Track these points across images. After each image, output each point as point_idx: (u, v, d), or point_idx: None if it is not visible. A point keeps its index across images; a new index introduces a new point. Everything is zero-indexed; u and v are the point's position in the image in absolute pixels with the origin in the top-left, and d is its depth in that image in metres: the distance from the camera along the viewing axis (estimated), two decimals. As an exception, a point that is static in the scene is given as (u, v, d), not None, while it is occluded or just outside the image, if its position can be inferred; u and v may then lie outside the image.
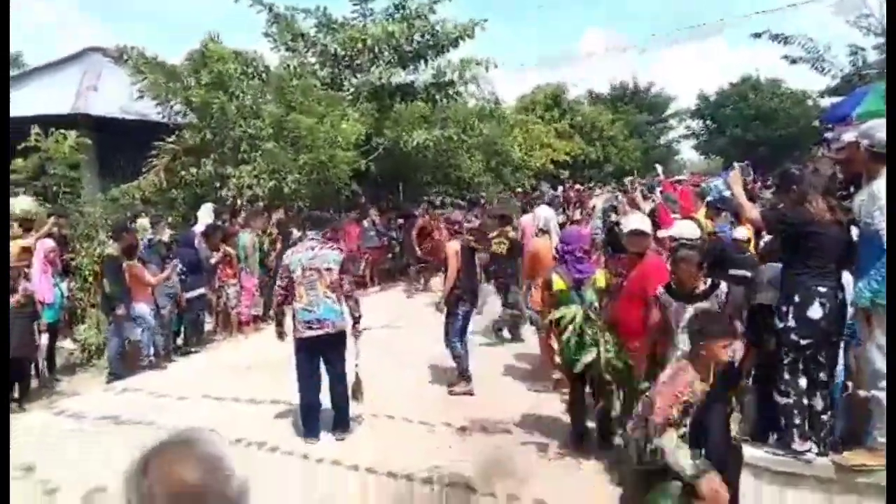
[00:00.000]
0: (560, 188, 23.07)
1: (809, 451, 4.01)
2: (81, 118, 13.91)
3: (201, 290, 9.50)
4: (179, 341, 9.50)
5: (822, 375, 4.06)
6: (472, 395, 6.90)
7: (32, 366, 7.79)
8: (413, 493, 4.64)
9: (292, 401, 6.18)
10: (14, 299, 6.89)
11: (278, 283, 5.92)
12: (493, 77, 20.21)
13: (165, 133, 13.95)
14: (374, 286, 13.93)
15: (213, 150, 13.78)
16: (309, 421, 5.82)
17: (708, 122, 40.74)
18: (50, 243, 8.39)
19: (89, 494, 4.85)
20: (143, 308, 8.34)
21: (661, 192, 10.61)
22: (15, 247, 7.99)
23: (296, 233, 12.01)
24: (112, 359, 8.09)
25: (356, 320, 5.81)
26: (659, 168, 9.79)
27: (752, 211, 4.53)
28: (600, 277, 5.41)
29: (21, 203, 9.93)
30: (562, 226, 9.78)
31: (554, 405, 6.50)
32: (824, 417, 4.08)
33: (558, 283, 5.49)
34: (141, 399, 7.18)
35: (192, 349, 9.41)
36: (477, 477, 4.99)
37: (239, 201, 12.86)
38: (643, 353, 4.81)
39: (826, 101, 23.26)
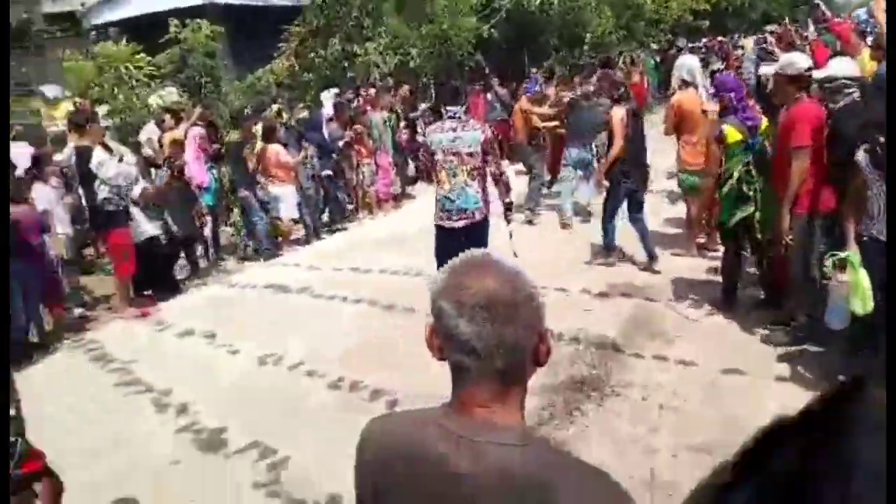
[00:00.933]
0: (703, 40, 21.15)
1: None
2: (211, 7, 14.31)
3: (328, 172, 9.77)
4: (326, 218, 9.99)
5: None
6: (612, 265, 6.67)
7: (200, 247, 8.52)
8: (560, 352, 4.74)
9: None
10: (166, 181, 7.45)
11: (423, 159, 5.74)
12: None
13: (293, 16, 14.10)
14: (505, 162, 13.78)
15: (338, 30, 13.81)
16: None
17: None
18: (200, 130, 8.89)
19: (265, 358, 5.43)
20: (285, 189, 8.78)
21: (816, 30, 9.48)
22: (167, 138, 8.59)
23: (422, 106, 12.05)
24: (255, 237, 8.66)
25: (507, 207, 5.37)
26: (822, 4, 8.50)
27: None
28: (766, 125, 5.06)
29: (168, 95, 10.54)
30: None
31: (698, 267, 6.33)
32: None
33: (733, 134, 5.03)
34: (296, 272, 7.75)
35: (337, 227, 9.87)
36: (621, 337, 5.03)
37: (367, 79, 12.95)
38: (793, 209, 4.49)
39: None
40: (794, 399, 3.85)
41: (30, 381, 4.96)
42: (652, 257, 6.46)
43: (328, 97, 11.09)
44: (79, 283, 7.56)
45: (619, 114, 6.35)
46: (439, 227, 5.23)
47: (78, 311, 7.03)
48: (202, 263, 8.52)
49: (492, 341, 1.05)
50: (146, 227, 6.96)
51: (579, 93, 8.33)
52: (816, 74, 4.63)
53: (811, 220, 4.46)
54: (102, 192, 6.58)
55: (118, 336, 6.32)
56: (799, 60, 4.65)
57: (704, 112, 6.80)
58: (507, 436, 1.06)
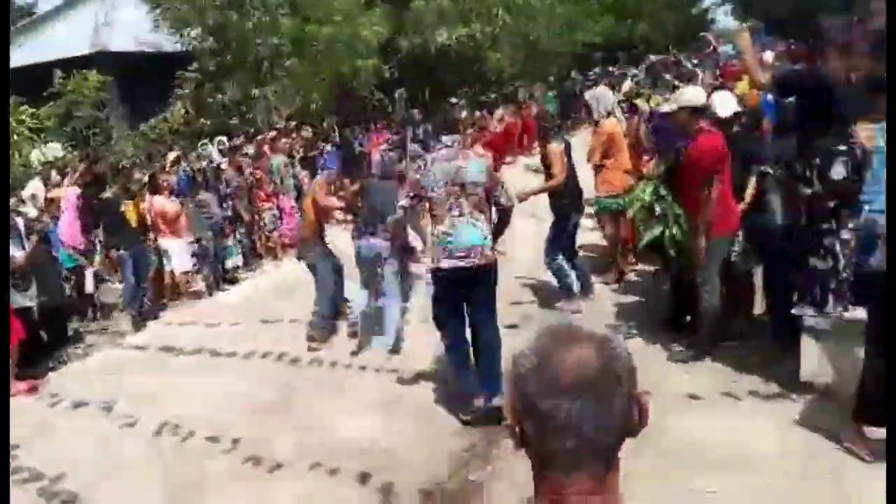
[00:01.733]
0: (595, 70, 22.04)
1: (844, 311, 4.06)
2: (100, 56, 13.78)
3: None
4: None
5: (845, 234, 3.98)
6: (580, 312, 5.97)
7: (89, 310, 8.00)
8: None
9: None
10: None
11: (403, 203, 4.88)
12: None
13: (186, 62, 13.76)
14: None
15: (234, 74, 13.55)
16: (464, 377, 4.61)
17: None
18: (76, 190, 8.37)
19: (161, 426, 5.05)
20: (175, 241, 8.39)
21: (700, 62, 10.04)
22: (51, 195, 8.11)
23: (327, 148, 11.93)
24: (125, 302, 8.02)
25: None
26: (710, 35, 9.11)
27: (757, 73, 4.51)
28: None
29: (50, 150, 10.00)
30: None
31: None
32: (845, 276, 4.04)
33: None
34: (196, 329, 7.37)
35: (237, 276, 9.52)
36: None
37: (268, 123, 12.73)
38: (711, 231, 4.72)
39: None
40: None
41: None
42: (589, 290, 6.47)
43: (213, 146, 10.80)
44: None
45: (557, 149, 6.28)
46: (439, 272, 4.45)
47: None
48: (93, 326, 7.99)
49: (596, 420, 0.93)
50: (16, 298, 6.41)
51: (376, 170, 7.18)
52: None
53: (722, 240, 4.77)
54: None
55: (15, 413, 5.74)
56: (696, 94, 4.99)
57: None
58: None
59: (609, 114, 7.48)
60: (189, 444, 4.73)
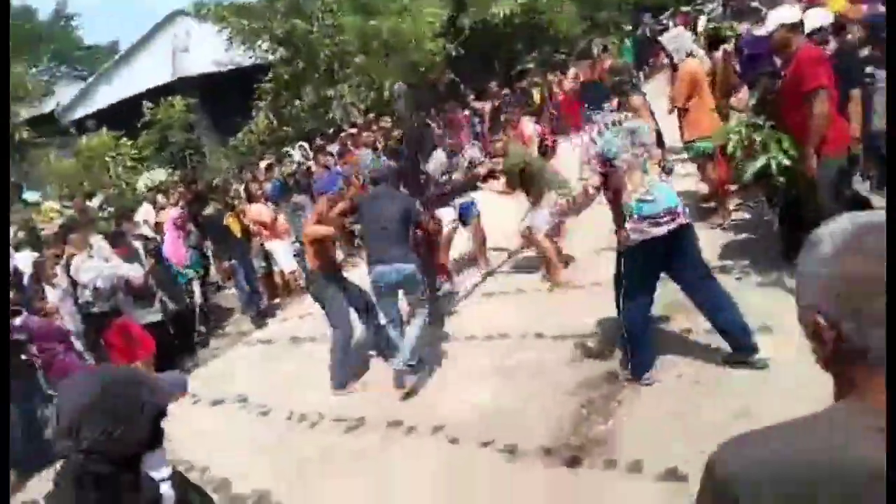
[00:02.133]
0: (666, 13, 21.16)
1: None
2: (182, 82, 14.50)
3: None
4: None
5: None
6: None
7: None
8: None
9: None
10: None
11: (593, 180, 4.26)
12: None
13: (262, 74, 14.28)
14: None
15: (308, 78, 13.94)
16: (644, 348, 4.23)
17: None
18: (175, 211, 8.93)
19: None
20: (276, 243, 8.83)
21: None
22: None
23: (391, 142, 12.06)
24: (243, 305, 8.54)
25: None
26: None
27: None
28: None
29: (154, 175, 10.66)
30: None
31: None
32: None
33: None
34: (312, 321, 7.71)
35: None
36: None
37: (347, 121, 13.02)
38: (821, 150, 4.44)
39: None
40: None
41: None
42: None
43: (295, 151, 11.18)
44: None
45: (638, 100, 6.03)
46: (635, 245, 3.96)
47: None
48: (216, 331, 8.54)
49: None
50: (143, 314, 6.94)
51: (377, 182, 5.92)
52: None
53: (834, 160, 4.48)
54: (83, 296, 6.59)
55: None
56: (792, 12, 4.70)
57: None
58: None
59: (689, 54, 7.19)
60: (319, 427, 4.99)
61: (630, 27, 20.64)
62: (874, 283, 0.90)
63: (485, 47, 16.44)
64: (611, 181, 4.06)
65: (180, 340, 7.62)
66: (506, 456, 3.86)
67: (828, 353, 0.97)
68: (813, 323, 0.97)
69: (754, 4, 9.28)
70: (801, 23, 4.63)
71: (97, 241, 7.19)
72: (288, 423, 5.21)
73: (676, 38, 7.62)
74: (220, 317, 8.92)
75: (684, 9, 20.02)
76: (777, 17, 4.62)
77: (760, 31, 5.08)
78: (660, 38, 9.90)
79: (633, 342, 4.18)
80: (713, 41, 7.81)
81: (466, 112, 13.32)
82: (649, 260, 4.01)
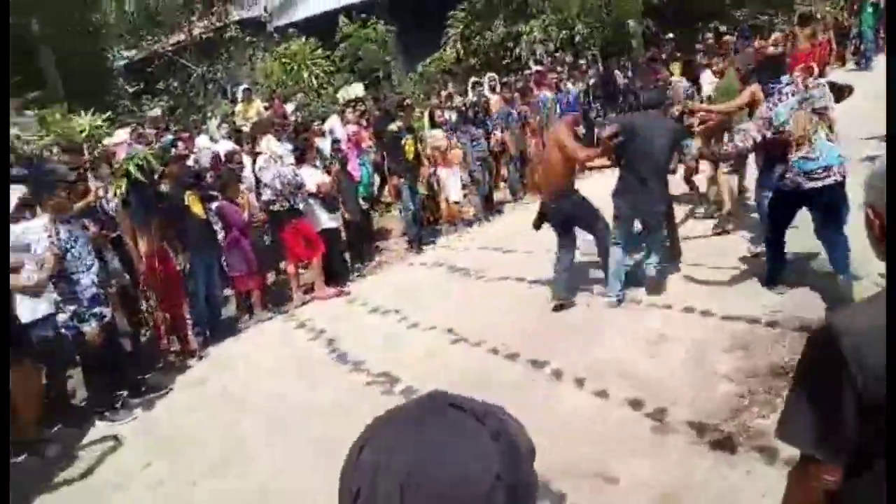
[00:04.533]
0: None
1: None
2: (378, 3, 14.89)
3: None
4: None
5: None
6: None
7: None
8: (756, 335, 4.54)
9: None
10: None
11: (753, 134, 4.77)
12: None
13: (456, 2, 14.34)
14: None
15: (501, 10, 13.82)
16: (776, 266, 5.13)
17: None
18: (352, 127, 9.34)
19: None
20: (449, 172, 9.10)
21: None
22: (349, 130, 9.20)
23: (591, 81, 11.73)
24: (407, 222, 8.80)
25: None
26: None
27: None
28: None
29: (354, 90, 11.17)
30: None
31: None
32: None
33: None
34: (470, 254, 7.96)
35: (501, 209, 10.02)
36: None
37: (533, 58, 12.87)
38: None
39: None
40: None
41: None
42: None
43: (485, 81, 11.19)
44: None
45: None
46: (788, 190, 4.69)
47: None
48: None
49: None
50: (323, 218, 7.42)
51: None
52: None
53: None
54: (266, 194, 7.09)
55: (321, 312, 6.90)
56: None
57: None
58: None
59: None
60: (471, 352, 5.24)
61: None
62: None
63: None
64: (778, 141, 4.69)
65: (352, 248, 8.12)
66: (653, 423, 3.85)
67: (877, 234, 1.32)
68: (865, 215, 1.34)
69: None
70: None
71: (276, 145, 7.69)
72: (434, 340, 5.56)
73: None
74: (381, 236, 9.35)
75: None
76: None
77: None
78: None
79: (769, 254, 5.17)
80: None
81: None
82: (792, 202, 4.78)
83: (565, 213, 5.70)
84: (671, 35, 12.58)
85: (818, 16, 11.91)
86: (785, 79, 4.81)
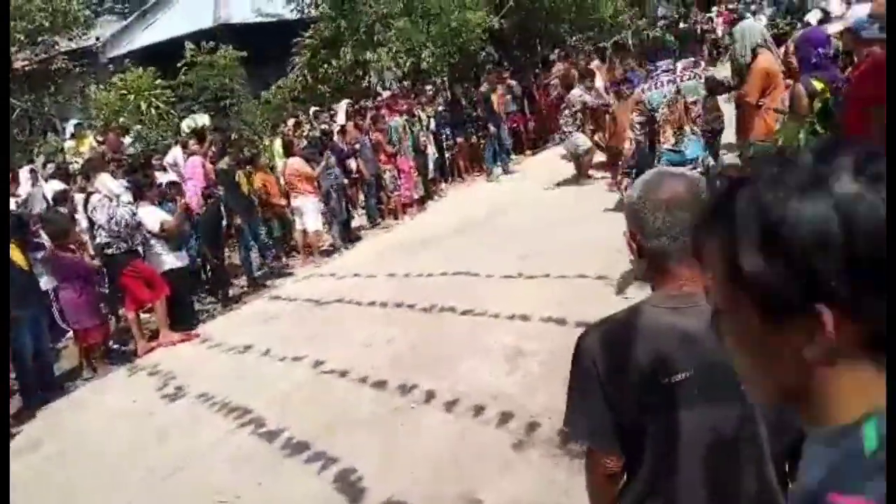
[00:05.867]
0: (714, 9, 20.78)
1: None
2: (222, 29, 14.46)
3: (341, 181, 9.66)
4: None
5: None
6: None
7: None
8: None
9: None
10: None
11: (636, 119, 5.12)
12: None
13: (303, 29, 14.18)
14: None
15: (349, 38, 13.83)
16: None
17: None
18: (198, 159, 8.81)
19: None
20: (308, 200, 8.83)
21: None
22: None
23: (440, 108, 11.99)
24: (243, 260, 8.38)
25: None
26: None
27: None
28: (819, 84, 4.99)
29: (199, 119, 10.68)
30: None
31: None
32: None
33: (820, 84, 4.95)
34: (332, 282, 7.81)
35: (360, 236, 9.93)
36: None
37: (382, 85, 12.96)
38: None
39: None
40: None
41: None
42: None
43: (341, 107, 11.12)
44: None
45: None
46: None
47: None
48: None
49: (684, 227, 1.32)
50: (167, 259, 6.95)
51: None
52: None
53: None
54: (100, 237, 6.58)
55: (169, 358, 6.46)
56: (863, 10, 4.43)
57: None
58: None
59: (761, 47, 6.91)
60: (338, 384, 5.11)
61: (677, 17, 20.27)
62: (649, 205, 1.38)
63: (528, 23, 16.16)
64: (651, 127, 4.87)
65: (205, 287, 7.70)
66: (515, 440, 3.91)
67: (634, 257, 1.44)
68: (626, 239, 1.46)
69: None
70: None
71: (112, 183, 6.93)
72: (304, 375, 5.36)
73: (749, 29, 7.36)
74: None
75: (730, 6, 19.64)
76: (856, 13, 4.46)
77: (831, 30, 4.94)
78: (734, 28, 9.32)
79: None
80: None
81: (500, 88, 13.05)
82: None
83: None
84: (507, 63, 13.14)
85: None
86: (662, 64, 4.96)
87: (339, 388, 5.06)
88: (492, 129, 11.65)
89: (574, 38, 17.11)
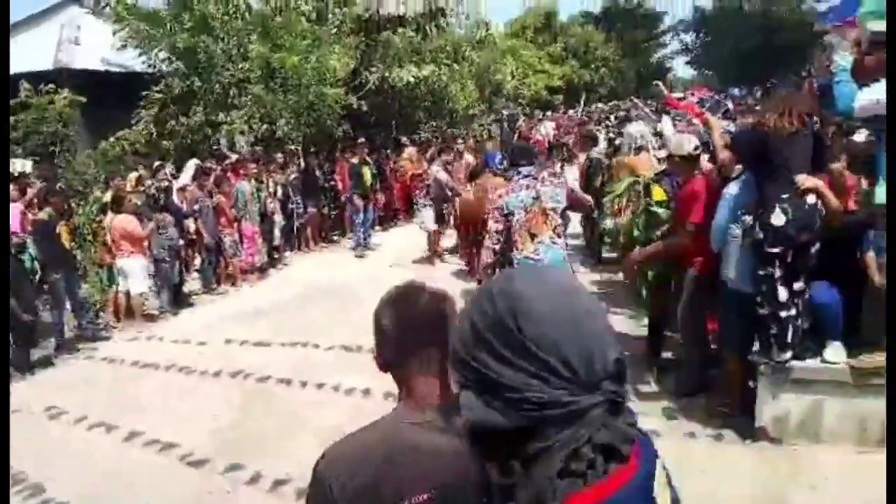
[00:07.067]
0: (579, 107, 22.65)
1: (788, 360, 4.16)
2: (64, 73, 13.62)
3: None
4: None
5: (798, 284, 4.06)
6: None
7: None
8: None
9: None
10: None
11: (492, 226, 4.83)
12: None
13: (151, 83, 13.66)
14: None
15: (201, 98, 13.49)
16: None
17: (702, 34, 39.73)
18: (20, 206, 8.26)
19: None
20: (135, 261, 8.30)
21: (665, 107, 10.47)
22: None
23: (292, 176, 11.90)
24: (55, 320, 7.65)
25: None
26: (660, 84, 9.44)
27: (723, 153, 4.76)
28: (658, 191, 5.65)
29: (20, 165, 9.82)
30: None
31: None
32: (798, 323, 4.11)
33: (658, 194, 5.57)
34: (157, 348, 7.30)
35: (192, 301, 9.43)
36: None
37: (232, 148, 12.66)
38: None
39: (824, 5, 22.52)
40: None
41: None
42: None
43: (190, 166, 10.71)
44: None
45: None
46: None
47: None
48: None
49: (428, 346, 1.34)
50: None
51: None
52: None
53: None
54: None
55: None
56: (687, 142, 5.09)
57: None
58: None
59: (641, 148, 7.66)
60: (161, 460, 4.73)
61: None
62: (391, 321, 1.39)
63: (385, 105, 16.68)
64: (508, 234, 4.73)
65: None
66: None
67: (381, 368, 1.43)
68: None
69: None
70: (696, 154, 5.02)
71: None
72: (128, 451, 4.86)
73: (635, 132, 8.17)
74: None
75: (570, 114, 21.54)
76: (677, 145, 5.11)
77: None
78: (625, 129, 9.71)
79: None
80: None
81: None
82: None
83: None
84: (363, 139, 13.40)
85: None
86: (525, 170, 4.80)
87: (160, 465, 4.67)
88: (357, 202, 11.65)
89: (427, 125, 17.88)
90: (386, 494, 1.28)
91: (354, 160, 12.00)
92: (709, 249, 4.66)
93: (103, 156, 12.25)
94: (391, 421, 1.37)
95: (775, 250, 4.00)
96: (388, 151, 14.98)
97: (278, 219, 11.17)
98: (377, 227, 13.20)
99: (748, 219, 4.14)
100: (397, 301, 1.41)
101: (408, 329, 1.37)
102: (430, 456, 1.30)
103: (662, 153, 6.36)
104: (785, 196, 3.96)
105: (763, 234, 4.02)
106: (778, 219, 3.95)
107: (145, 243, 8.50)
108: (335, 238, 13.02)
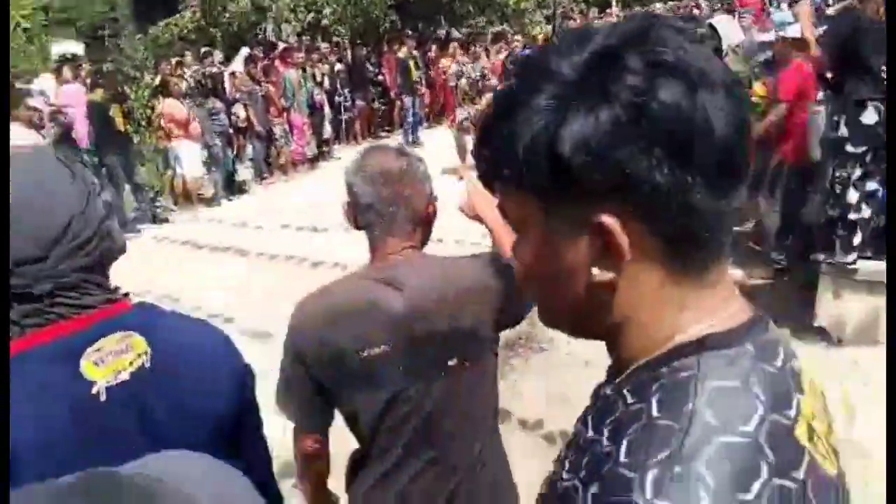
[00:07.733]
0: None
1: (854, 262, 4.08)
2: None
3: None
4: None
5: (872, 185, 3.95)
6: None
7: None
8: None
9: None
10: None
11: None
12: None
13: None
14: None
15: (249, -18, 13.18)
16: None
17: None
18: (73, 87, 8.33)
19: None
20: (184, 144, 8.38)
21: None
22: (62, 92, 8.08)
23: (338, 66, 11.70)
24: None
25: None
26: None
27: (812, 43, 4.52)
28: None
29: (70, 46, 9.81)
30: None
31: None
32: (869, 224, 4.03)
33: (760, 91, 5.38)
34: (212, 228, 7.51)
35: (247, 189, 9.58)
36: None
37: (277, 36, 12.45)
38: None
39: None
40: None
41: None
42: None
43: (241, 55, 10.58)
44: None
45: None
46: None
47: None
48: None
49: (394, 200, 1.38)
50: None
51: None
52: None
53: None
54: None
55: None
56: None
57: None
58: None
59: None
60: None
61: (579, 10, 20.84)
62: (360, 179, 1.40)
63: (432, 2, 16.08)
64: None
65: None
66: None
67: (353, 226, 1.45)
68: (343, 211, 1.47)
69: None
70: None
71: None
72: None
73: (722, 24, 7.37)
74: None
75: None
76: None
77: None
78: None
79: None
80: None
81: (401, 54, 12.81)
82: None
83: None
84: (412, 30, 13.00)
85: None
86: None
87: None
88: (406, 98, 11.49)
89: (476, 20, 17.22)
90: (347, 349, 1.35)
91: (401, 54, 11.71)
92: (800, 133, 4.69)
93: (153, 41, 12.16)
94: (355, 277, 1.46)
95: (859, 150, 3.88)
96: (434, 46, 14.52)
97: (328, 111, 11.07)
98: (424, 124, 12.99)
99: (835, 118, 4.01)
100: (366, 160, 1.43)
101: (374, 187, 1.39)
102: (386, 311, 1.35)
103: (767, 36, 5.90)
104: (877, 96, 3.81)
105: (848, 133, 3.89)
106: (869, 117, 3.82)
107: (197, 129, 8.54)
108: (383, 135, 12.89)
